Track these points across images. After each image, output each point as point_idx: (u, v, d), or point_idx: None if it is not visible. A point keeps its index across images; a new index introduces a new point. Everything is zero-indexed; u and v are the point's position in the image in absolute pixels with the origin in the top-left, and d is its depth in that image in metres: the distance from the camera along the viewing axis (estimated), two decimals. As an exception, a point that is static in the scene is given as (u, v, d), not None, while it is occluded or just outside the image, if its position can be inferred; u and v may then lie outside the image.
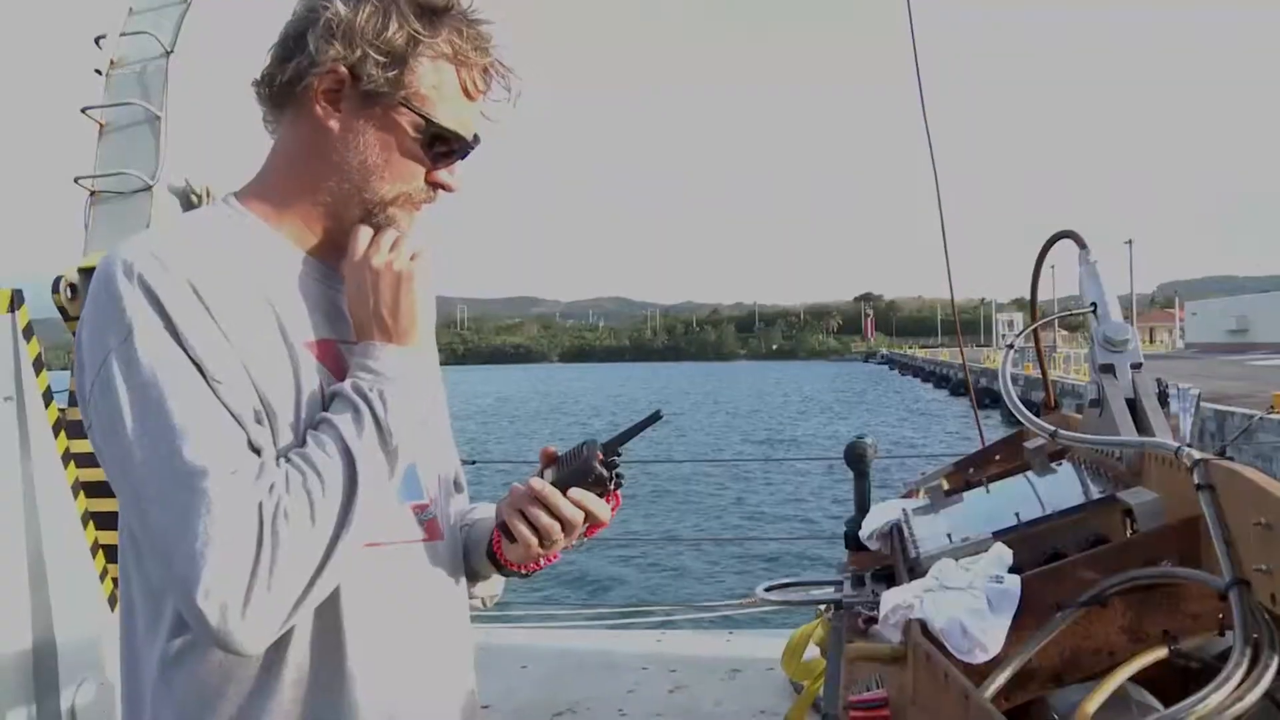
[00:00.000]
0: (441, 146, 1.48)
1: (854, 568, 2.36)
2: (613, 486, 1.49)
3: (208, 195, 4.68)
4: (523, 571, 1.62)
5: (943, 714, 1.27)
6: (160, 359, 1.27)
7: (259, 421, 1.33)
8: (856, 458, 2.77)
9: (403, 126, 1.46)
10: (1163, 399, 1.92)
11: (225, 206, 1.51)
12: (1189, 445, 1.52)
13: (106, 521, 3.89)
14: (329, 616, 1.37)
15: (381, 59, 1.42)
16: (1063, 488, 2.00)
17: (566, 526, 1.48)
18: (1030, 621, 1.47)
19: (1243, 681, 1.12)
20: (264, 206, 1.50)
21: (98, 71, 4.94)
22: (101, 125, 4.89)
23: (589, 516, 1.49)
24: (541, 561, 1.58)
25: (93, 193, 4.82)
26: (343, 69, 1.42)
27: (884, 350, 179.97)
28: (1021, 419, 2.07)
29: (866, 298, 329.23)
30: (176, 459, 1.24)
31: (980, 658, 1.42)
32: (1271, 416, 19.50)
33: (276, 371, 1.37)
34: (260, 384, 1.34)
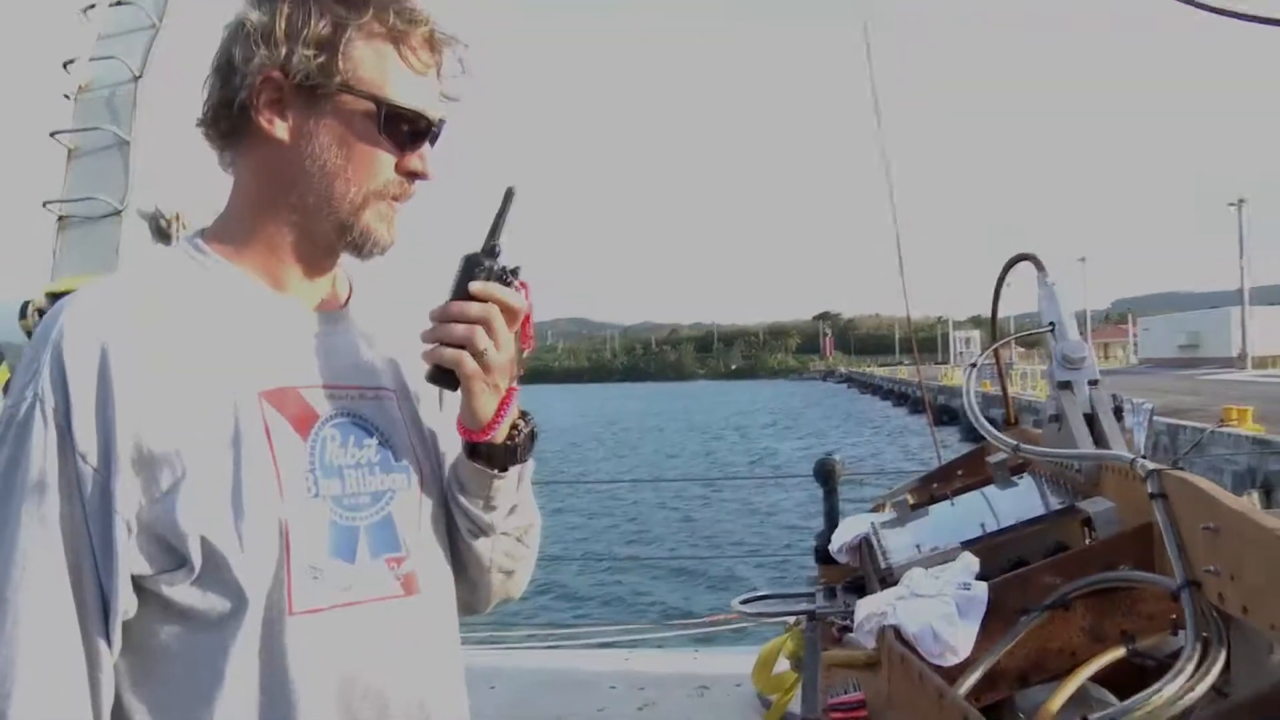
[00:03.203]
0: (402, 128, 1.40)
1: (825, 580, 2.44)
2: (511, 278, 1.39)
3: (178, 221, 4.71)
4: (490, 437, 1.44)
5: (919, 713, 1.34)
6: (33, 472, 1.24)
7: (142, 522, 1.26)
8: (825, 474, 2.85)
9: (355, 115, 1.38)
10: (1118, 413, 2.02)
11: (187, 246, 1.44)
12: (1143, 457, 1.61)
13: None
14: (276, 686, 1.31)
15: (310, 51, 1.35)
16: (1024, 500, 2.09)
17: (485, 325, 1.36)
18: (997, 626, 1.56)
19: (1193, 675, 1.21)
20: (226, 245, 1.43)
21: (66, 96, 4.97)
22: (70, 150, 4.92)
23: (502, 308, 1.37)
24: (499, 407, 1.42)
25: (61, 217, 4.85)
26: (275, 73, 1.35)
27: (842, 369, 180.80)
28: (985, 435, 2.16)
29: (825, 316, 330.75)
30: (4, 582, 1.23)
31: (951, 660, 1.50)
32: (1222, 430, 19.82)
33: (206, 428, 1.29)
34: (176, 447, 1.26)
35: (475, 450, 1.45)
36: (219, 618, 1.29)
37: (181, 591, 1.29)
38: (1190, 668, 1.22)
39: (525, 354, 1.44)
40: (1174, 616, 1.48)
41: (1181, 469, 1.57)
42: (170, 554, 1.27)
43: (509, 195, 1.41)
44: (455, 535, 1.53)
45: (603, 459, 43.23)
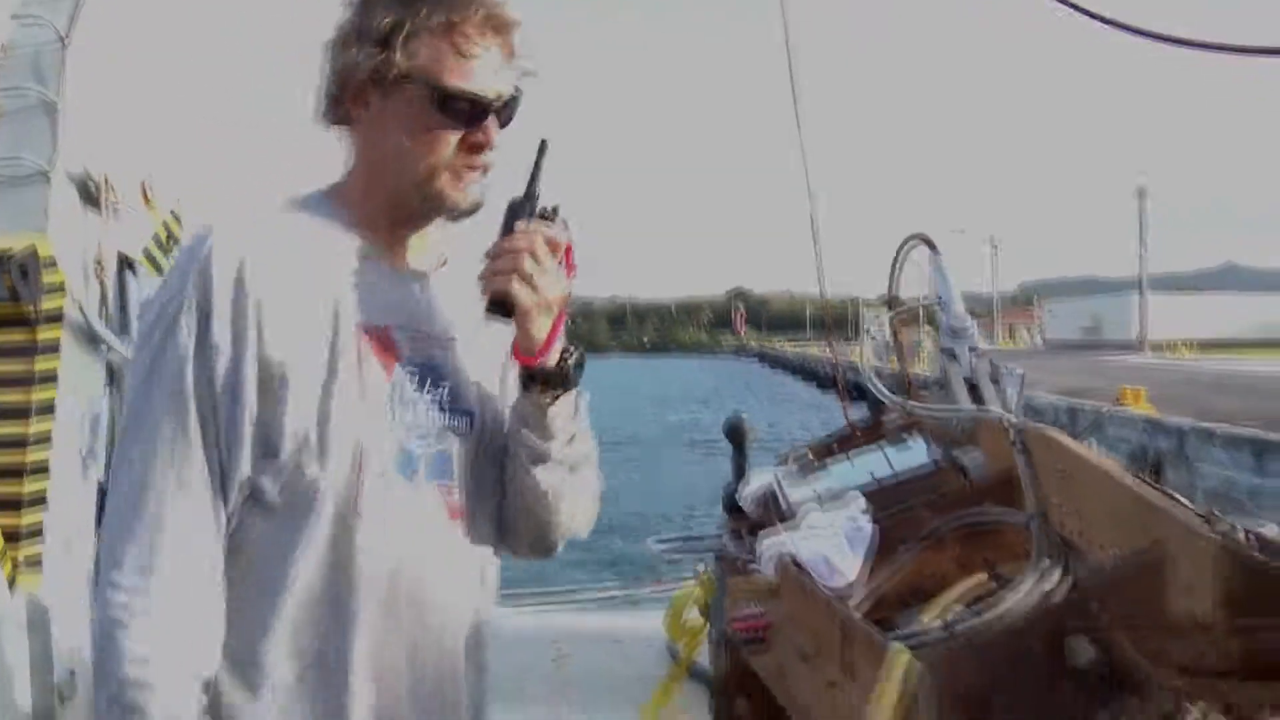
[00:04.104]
0: (460, 108, 1.56)
1: (733, 527, 2.66)
2: (551, 215, 1.56)
3: (106, 184, 4.76)
4: (544, 360, 1.59)
5: (813, 625, 1.57)
6: (176, 360, 1.49)
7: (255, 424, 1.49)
8: (735, 432, 3.08)
9: (416, 101, 1.55)
10: (995, 378, 2.27)
11: (318, 197, 1.66)
12: (1009, 414, 1.86)
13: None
14: (339, 577, 1.51)
15: (373, 49, 1.54)
16: (914, 455, 2.34)
17: (530, 252, 1.52)
18: (882, 557, 1.80)
19: (1031, 589, 1.45)
20: (344, 201, 1.64)
21: (-11, 56, 4.98)
22: (-4, 110, 4.93)
23: (544, 238, 1.53)
24: (551, 329, 1.57)
25: (-15, 176, 4.87)
26: (351, 69, 1.55)
27: (754, 345, 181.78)
28: (876, 393, 2.41)
29: (738, 293, 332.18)
30: (143, 469, 1.49)
31: (841, 583, 1.73)
32: (1117, 411, 20.55)
33: (312, 347, 1.52)
34: (286, 357, 1.49)
35: (531, 377, 1.60)
36: (297, 513, 1.51)
37: (270, 481, 1.51)
38: (1030, 583, 1.46)
39: (571, 281, 1.59)
40: (1029, 547, 1.73)
41: (1044, 429, 1.83)
42: (267, 445, 1.50)
43: (543, 147, 1.59)
44: (517, 471, 1.67)
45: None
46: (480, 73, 1.55)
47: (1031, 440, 1.74)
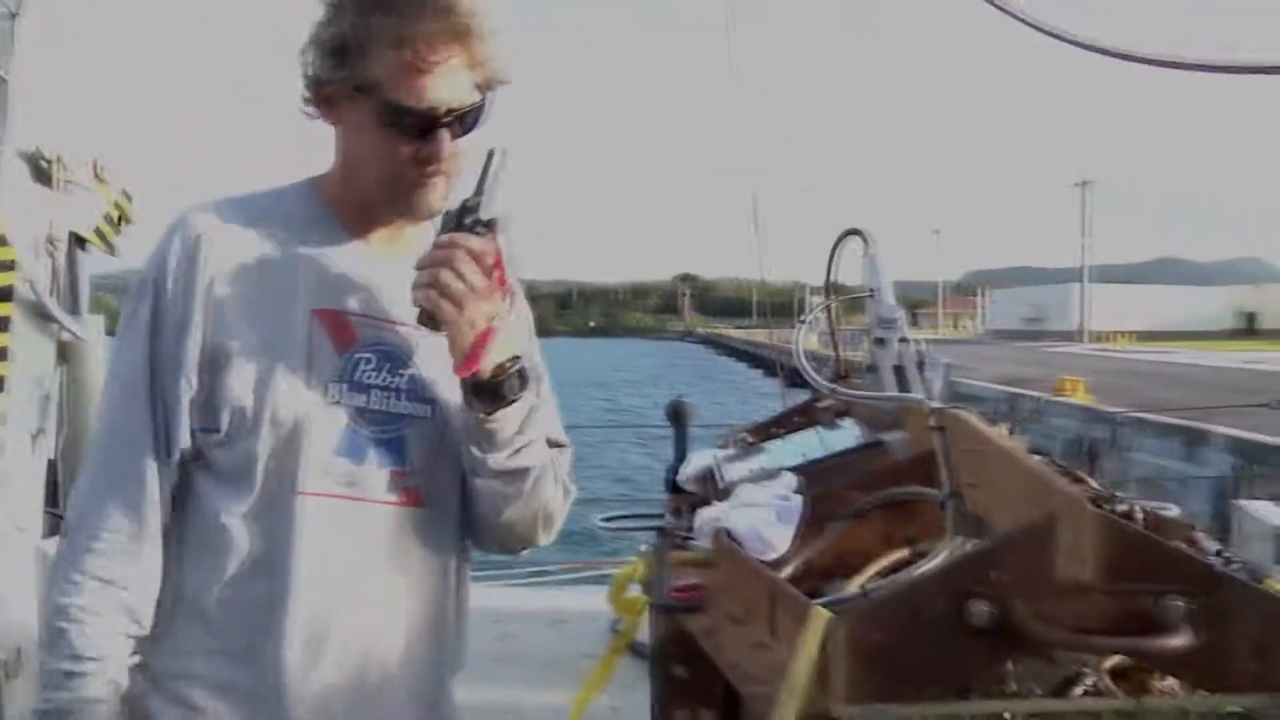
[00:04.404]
0: (408, 122, 1.56)
1: (674, 505, 2.78)
2: (481, 228, 1.57)
3: (59, 162, 4.78)
4: (471, 373, 1.59)
5: (744, 591, 1.69)
6: (143, 319, 1.61)
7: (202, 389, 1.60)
8: (677, 414, 3.20)
9: (367, 113, 1.57)
10: (921, 366, 2.41)
11: (302, 185, 1.74)
12: (930, 399, 1.99)
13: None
14: (277, 551, 1.59)
15: (331, 59, 1.58)
16: (844, 436, 2.48)
17: (448, 265, 1.53)
18: (810, 531, 1.92)
19: (946, 559, 1.58)
20: (325, 190, 1.71)
21: (-63, 32, 4.97)
22: (-56, 86, 4.93)
23: (471, 252, 1.54)
24: (476, 342, 1.56)
25: (-66, 151, 4.87)
26: (313, 77, 1.62)
27: (700, 330, 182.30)
28: (808, 379, 2.54)
29: (685, 278, 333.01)
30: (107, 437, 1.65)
31: (771, 556, 1.86)
32: (1056, 400, 20.97)
33: (264, 326, 1.60)
34: (236, 335, 1.58)
35: (468, 389, 1.62)
36: (239, 481, 1.60)
37: (213, 451, 1.61)
38: (943, 556, 1.59)
39: (505, 295, 1.60)
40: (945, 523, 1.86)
41: (960, 409, 1.96)
42: (211, 415, 1.59)
43: (490, 156, 1.60)
44: (467, 474, 1.71)
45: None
46: (434, 85, 1.55)
47: (949, 423, 1.87)
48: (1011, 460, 1.57)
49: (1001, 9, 2.49)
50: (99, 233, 4.25)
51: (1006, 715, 1.22)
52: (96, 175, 4.36)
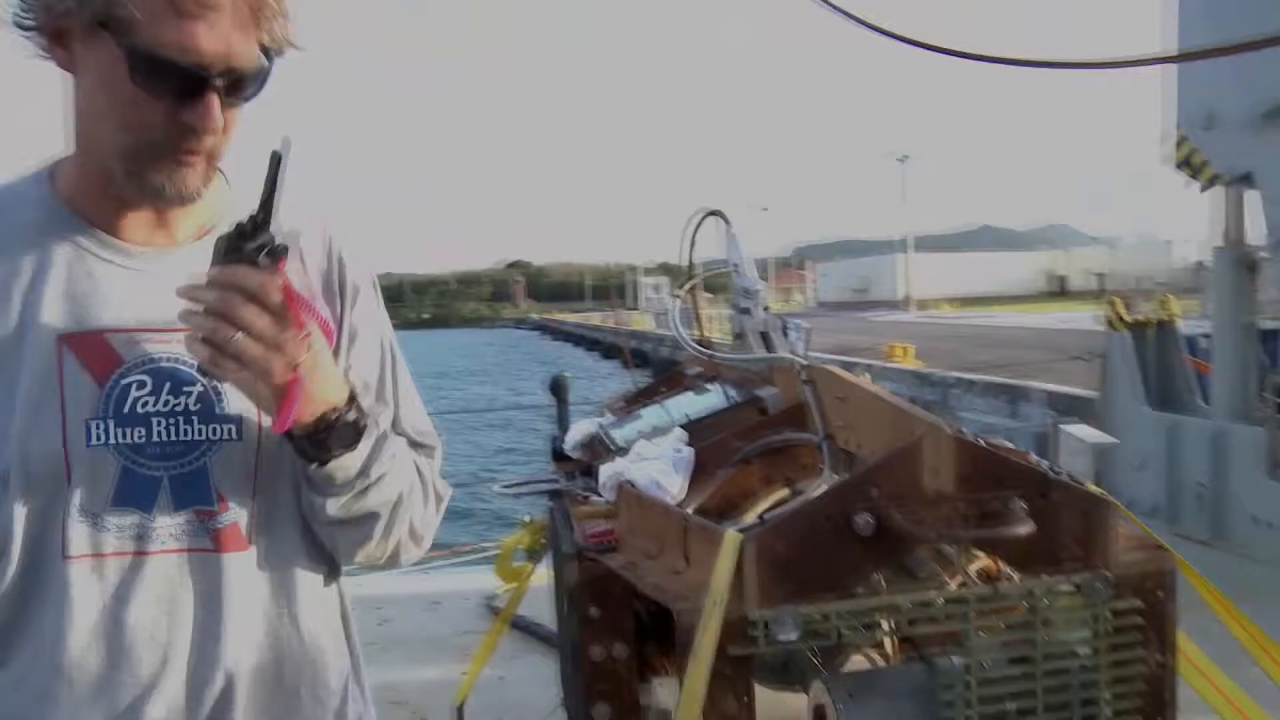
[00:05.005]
0: (167, 77, 1.21)
1: (565, 470, 3.01)
2: (265, 258, 1.20)
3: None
4: (286, 429, 1.29)
5: (654, 529, 1.92)
6: None
7: None
8: (558, 387, 3.43)
9: (115, 59, 1.20)
10: (784, 331, 2.69)
11: (34, 177, 1.38)
12: (798, 357, 2.26)
13: None
14: (46, 629, 1.29)
15: None
16: (712, 398, 2.74)
17: (223, 316, 1.18)
18: (701, 478, 2.17)
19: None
20: (64, 175, 1.36)
21: None
22: None
23: (251, 294, 1.19)
24: (284, 399, 1.25)
25: None
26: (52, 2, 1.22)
27: (535, 315, 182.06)
28: (688, 348, 2.79)
29: (516, 265, 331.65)
30: None
31: (669, 501, 2.10)
32: (888, 365, 21.85)
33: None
34: None
35: (291, 437, 1.34)
36: None
37: None
38: (822, 488, 1.86)
39: (305, 342, 1.24)
40: (820, 465, 2.14)
41: (825, 366, 2.24)
42: None
43: (275, 159, 1.21)
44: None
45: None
46: (206, 34, 1.20)
47: (816, 375, 2.14)
48: (877, 400, 1.84)
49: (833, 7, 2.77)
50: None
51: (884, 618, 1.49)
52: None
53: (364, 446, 1.36)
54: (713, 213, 2.96)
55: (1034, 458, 1.98)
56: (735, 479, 2.17)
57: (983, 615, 1.49)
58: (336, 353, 1.43)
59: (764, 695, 1.66)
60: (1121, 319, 9.34)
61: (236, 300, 1.18)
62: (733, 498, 2.15)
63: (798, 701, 1.73)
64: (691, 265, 3.27)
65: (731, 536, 1.51)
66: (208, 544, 1.33)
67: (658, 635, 2.14)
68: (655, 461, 2.16)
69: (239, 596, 1.36)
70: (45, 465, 1.26)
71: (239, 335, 1.18)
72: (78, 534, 1.28)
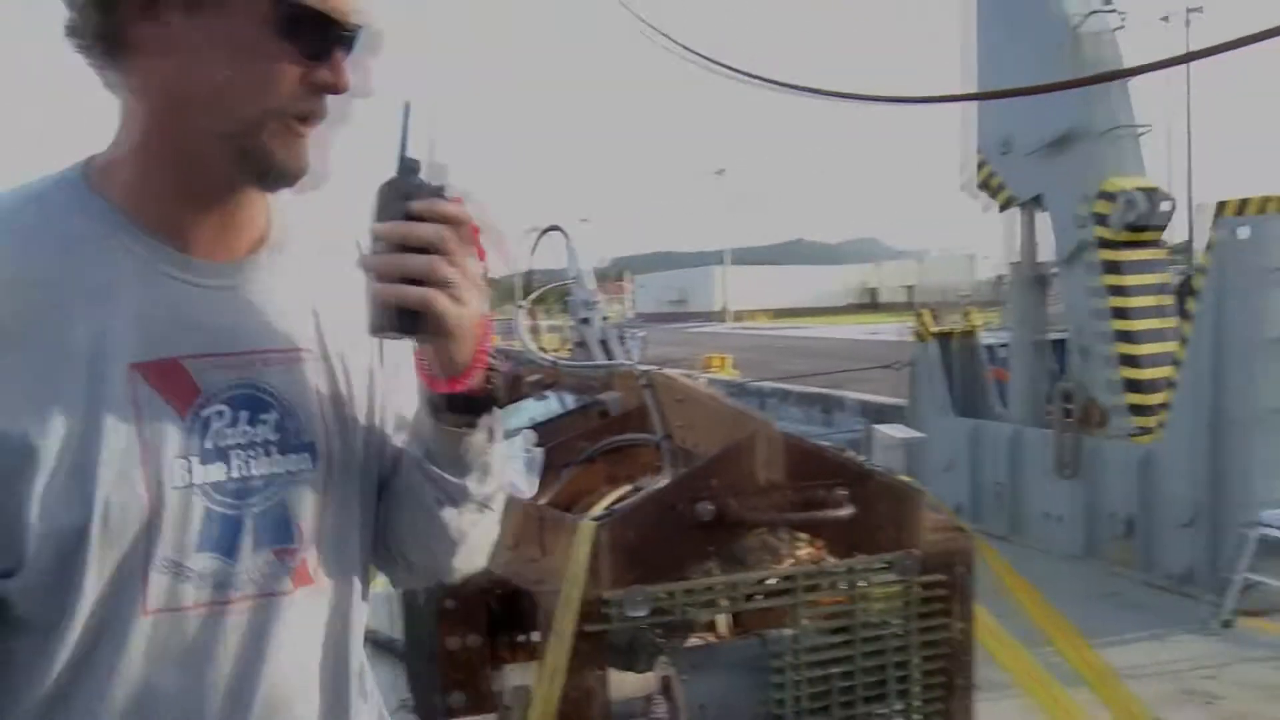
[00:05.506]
0: (307, 33, 1.11)
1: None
2: (442, 191, 1.11)
3: None
4: (471, 382, 1.14)
5: (514, 523, 2.06)
6: None
7: None
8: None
9: (246, 16, 1.09)
10: (621, 339, 2.87)
11: (67, 182, 1.16)
12: (638, 363, 2.44)
13: None
14: (127, 690, 1.11)
15: None
16: (551, 405, 2.90)
17: (443, 250, 1.08)
18: (551, 476, 2.32)
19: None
20: (112, 181, 1.16)
21: None
22: None
23: (447, 219, 1.08)
24: (475, 346, 1.13)
25: None
26: None
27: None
28: (535, 358, 2.94)
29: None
30: None
31: (524, 498, 2.24)
32: (706, 376, 22.33)
33: (62, 407, 1.07)
34: (22, 427, 1.05)
35: (448, 403, 1.19)
36: (59, 621, 1.11)
37: (16, 592, 1.10)
38: (661, 484, 2.03)
39: (484, 274, 1.14)
40: (658, 464, 2.31)
41: (664, 371, 2.42)
42: (6, 551, 1.08)
43: (408, 109, 1.12)
44: (417, 511, 1.28)
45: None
46: None
47: (656, 381, 2.32)
48: (714, 401, 2.03)
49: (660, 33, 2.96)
50: None
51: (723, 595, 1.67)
52: None
53: (495, 418, 1.23)
54: (553, 227, 3.11)
55: (852, 453, 2.21)
56: (581, 477, 2.32)
57: (809, 591, 1.69)
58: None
59: (612, 676, 1.82)
60: (929, 330, 9.90)
61: (446, 232, 1.08)
62: (579, 494, 2.31)
63: (641, 681, 1.90)
64: (531, 276, 3.42)
65: (587, 525, 1.67)
66: (288, 586, 1.19)
67: (508, 625, 2.29)
68: (510, 462, 2.30)
69: (305, 636, 1.23)
70: (127, 512, 1.09)
71: (454, 273, 1.08)
72: (158, 586, 1.12)
